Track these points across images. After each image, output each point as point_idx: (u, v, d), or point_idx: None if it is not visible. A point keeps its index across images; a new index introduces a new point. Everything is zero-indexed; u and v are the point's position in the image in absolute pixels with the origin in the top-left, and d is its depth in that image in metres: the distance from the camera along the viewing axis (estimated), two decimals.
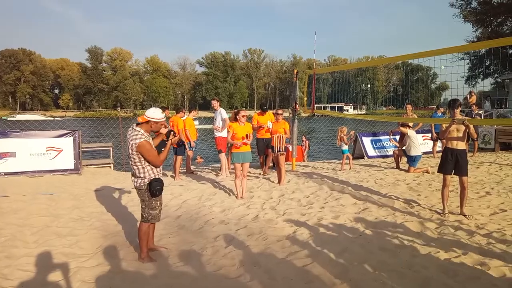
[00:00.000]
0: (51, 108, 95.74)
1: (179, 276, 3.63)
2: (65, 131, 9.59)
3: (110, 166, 10.82)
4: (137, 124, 3.96)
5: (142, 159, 3.89)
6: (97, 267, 3.81)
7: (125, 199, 6.64)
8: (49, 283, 3.50)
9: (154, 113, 3.95)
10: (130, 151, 3.88)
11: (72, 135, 9.45)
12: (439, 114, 11.17)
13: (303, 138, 13.01)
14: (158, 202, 4.08)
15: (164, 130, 4.27)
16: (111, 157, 11.24)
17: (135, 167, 3.93)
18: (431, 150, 11.47)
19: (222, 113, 9.00)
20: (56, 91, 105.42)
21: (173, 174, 8.87)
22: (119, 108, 8.41)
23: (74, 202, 6.44)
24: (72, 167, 9.28)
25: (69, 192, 7.09)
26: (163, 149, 4.07)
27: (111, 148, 11.42)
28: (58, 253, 4.17)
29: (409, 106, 10.78)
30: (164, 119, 4.09)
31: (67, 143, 9.36)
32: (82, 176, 9.21)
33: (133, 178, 4.01)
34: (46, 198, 6.61)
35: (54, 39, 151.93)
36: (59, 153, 9.23)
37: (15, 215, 5.57)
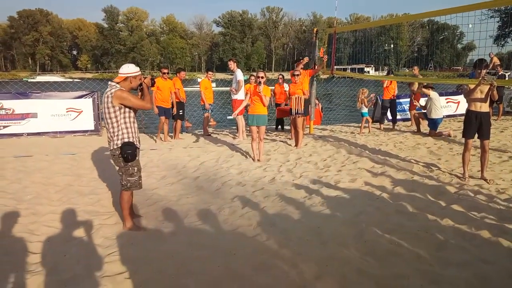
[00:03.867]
0: (70, 70, 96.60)
1: (197, 233, 3.74)
2: (84, 92, 9.67)
3: None
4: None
5: (118, 117, 3.64)
6: (118, 225, 3.95)
7: (144, 159, 6.73)
8: (73, 238, 3.66)
9: (129, 68, 3.74)
10: (106, 110, 3.62)
11: (91, 96, 9.53)
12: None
13: (316, 100, 12.74)
14: (136, 168, 3.82)
15: (148, 81, 3.94)
16: None
17: (110, 129, 3.69)
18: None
19: (238, 75, 8.83)
20: (74, 52, 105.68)
21: (171, 135, 9.11)
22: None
23: (95, 162, 6.60)
24: (92, 128, 9.44)
25: (90, 153, 7.26)
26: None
27: None
28: (81, 210, 4.33)
29: (415, 67, 11.32)
30: (139, 72, 3.81)
31: (86, 104, 9.47)
32: (102, 137, 9.37)
33: (108, 142, 3.78)
34: (68, 158, 6.80)
35: None
36: (79, 114, 9.36)
37: (40, 174, 5.76)
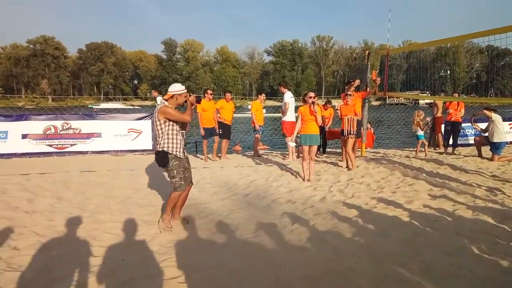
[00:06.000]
0: (131, 98, 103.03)
1: (248, 245, 3.77)
2: (144, 114, 10.30)
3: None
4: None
5: (164, 130, 4.17)
6: (173, 234, 4.09)
7: (197, 177, 6.95)
8: (131, 245, 3.84)
9: (175, 87, 4.30)
10: (155, 123, 4.20)
11: (150, 118, 10.11)
12: None
13: (368, 124, 12.51)
14: (175, 171, 4.26)
15: (192, 99, 4.37)
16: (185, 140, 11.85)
17: (157, 139, 4.25)
18: None
19: (285, 97, 8.89)
20: (135, 82, 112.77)
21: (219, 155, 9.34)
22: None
23: (152, 178, 6.93)
24: (150, 147, 9.95)
25: (147, 169, 7.64)
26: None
27: (183, 132, 12.00)
28: (139, 220, 4.54)
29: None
30: (185, 90, 4.34)
31: (146, 126, 10.06)
32: None
33: None
34: (128, 174, 7.20)
35: (132, 32, 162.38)
36: (139, 134, 9.95)
37: (101, 187, 6.16)
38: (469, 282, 2.94)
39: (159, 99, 10.65)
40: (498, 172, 6.95)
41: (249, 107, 9.84)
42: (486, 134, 8.59)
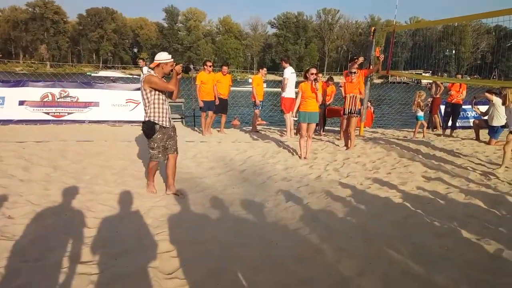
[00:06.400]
0: (130, 67, 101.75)
1: (241, 222, 3.81)
2: None
3: (181, 121, 11.34)
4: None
5: (150, 99, 4.23)
6: (167, 207, 4.13)
7: (193, 151, 6.99)
8: (126, 217, 3.88)
9: (161, 55, 4.33)
10: (141, 92, 4.27)
11: None
12: None
13: (368, 102, 12.43)
14: (155, 144, 4.40)
15: (178, 68, 4.37)
16: (183, 113, 11.77)
17: (144, 108, 4.35)
18: None
19: (285, 72, 8.74)
20: (135, 50, 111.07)
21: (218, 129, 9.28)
22: (191, 65, 8.72)
23: None
24: None
25: (144, 141, 7.58)
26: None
27: (182, 104, 11.92)
28: (135, 192, 4.57)
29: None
30: (172, 59, 4.36)
31: None
32: None
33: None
34: (125, 145, 7.20)
35: None
36: (137, 105, 9.87)
37: (98, 157, 6.16)
38: (457, 265, 2.99)
39: (145, 69, 10.55)
40: (494, 157, 6.96)
41: (250, 80, 9.74)
42: (486, 118, 8.55)
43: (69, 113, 9.51)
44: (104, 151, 6.60)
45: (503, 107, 6.60)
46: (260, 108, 9.50)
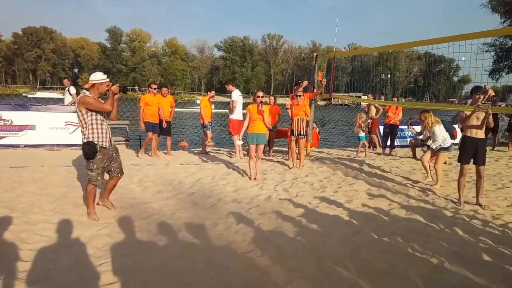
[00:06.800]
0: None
1: (191, 247, 3.69)
2: None
3: (126, 144, 10.93)
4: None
5: (86, 120, 4.15)
6: (111, 236, 3.89)
7: (139, 174, 6.74)
8: (65, 248, 3.59)
9: (96, 75, 4.24)
10: (77, 114, 4.16)
11: None
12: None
13: (314, 124, 12.89)
14: (95, 165, 4.28)
15: (115, 88, 4.31)
16: (127, 135, 11.35)
17: (81, 130, 4.24)
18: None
19: (232, 95, 8.85)
20: (76, 70, 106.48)
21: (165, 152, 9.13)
22: (136, 87, 8.55)
23: None
24: None
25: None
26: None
27: (127, 126, 11.52)
28: (75, 221, 4.27)
29: (369, 95, 14.14)
30: (107, 79, 4.28)
31: None
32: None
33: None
34: (64, 170, 6.77)
35: (74, 18, 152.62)
36: (76, 128, 9.35)
37: (34, 185, 5.72)
38: (402, 279, 3.11)
39: (72, 89, 10.12)
40: (430, 173, 7.43)
41: (198, 101, 9.69)
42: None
43: (1, 137, 8.79)
44: (41, 178, 6.15)
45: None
46: (210, 129, 9.46)
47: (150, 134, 8.56)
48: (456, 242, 3.90)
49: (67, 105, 9.98)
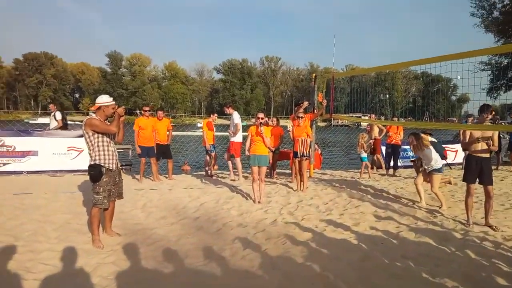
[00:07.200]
0: (71, 113, 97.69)
1: (198, 274, 3.61)
2: None
3: (129, 168, 10.90)
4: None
5: (93, 142, 4.20)
6: (116, 264, 3.82)
7: (143, 199, 6.68)
8: (70, 277, 3.53)
9: (102, 98, 4.33)
10: (84, 136, 4.22)
11: None
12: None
13: (316, 145, 12.90)
14: (101, 188, 4.29)
15: (121, 110, 4.39)
16: (129, 159, 11.34)
17: (88, 152, 4.29)
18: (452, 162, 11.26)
19: (235, 118, 8.96)
20: (77, 95, 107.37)
21: (166, 176, 9.08)
22: (138, 111, 8.66)
23: None
24: None
25: (89, 192, 7.15)
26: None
27: (130, 150, 11.52)
28: (79, 249, 4.20)
29: (372, 115, 13.44)
30: (113, 102, 4.36)
31: None
32: None
33: None
34: (67, 197, 6.71)
35: (74, 43, 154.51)
36: (79, 153, 9.37)
37: (38, 212, 5.66)
38: None
39: (58, 114, 10.05)
40: (424, 198, 7.34)
41: (199, 125, 9.73)
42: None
43: (4, 164, 8.77)
44: (45, 204, 6.09)
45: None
46: (214, 151, 9.47)
47: (143, 160, 8.58)
48: (468, 265, 3.83)
49: (52, 129, 9.90)
